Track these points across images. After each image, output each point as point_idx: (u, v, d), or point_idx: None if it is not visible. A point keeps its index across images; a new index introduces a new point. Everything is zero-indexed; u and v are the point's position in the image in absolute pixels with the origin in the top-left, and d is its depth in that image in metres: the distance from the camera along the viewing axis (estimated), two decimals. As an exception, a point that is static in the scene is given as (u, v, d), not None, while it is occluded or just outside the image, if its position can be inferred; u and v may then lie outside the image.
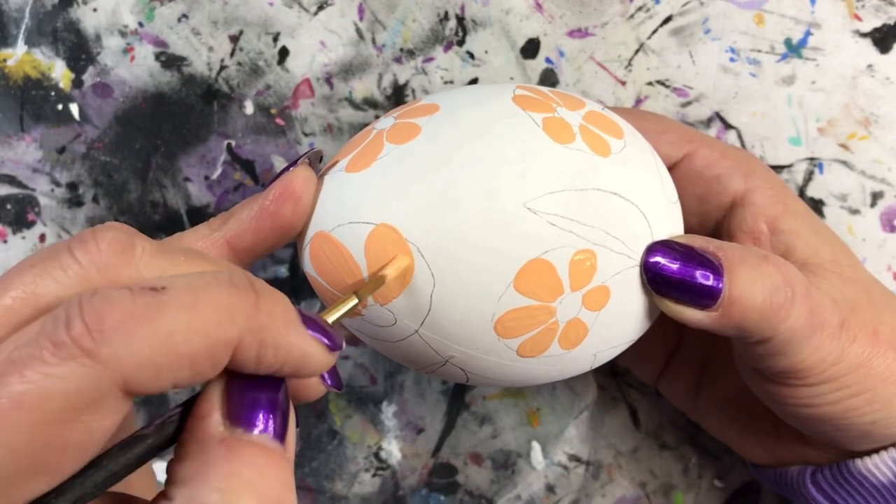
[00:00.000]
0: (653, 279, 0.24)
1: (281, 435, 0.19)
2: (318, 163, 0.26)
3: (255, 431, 0.18)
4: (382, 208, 0.23)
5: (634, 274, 0.24)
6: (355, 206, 0.24)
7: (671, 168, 0.29)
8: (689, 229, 0.27)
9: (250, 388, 0.19)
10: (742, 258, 0.25)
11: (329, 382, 0.24)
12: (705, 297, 0.24)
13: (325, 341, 0.20)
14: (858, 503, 0.28)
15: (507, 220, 0.23)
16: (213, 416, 0.18)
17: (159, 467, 0.36)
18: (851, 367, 0.26)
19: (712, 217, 0.30)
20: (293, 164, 0.25)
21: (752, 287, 0.24)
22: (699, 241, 0.25)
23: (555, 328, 0.24)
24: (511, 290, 0.23)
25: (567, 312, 0.23)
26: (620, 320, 0.25)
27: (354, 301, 0.23)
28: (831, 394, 0.26)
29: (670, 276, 0.24)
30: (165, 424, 0.19)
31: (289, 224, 0.24)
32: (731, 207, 0.29)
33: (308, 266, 0.25)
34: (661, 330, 0.30)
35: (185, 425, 0.19)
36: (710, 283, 0.24)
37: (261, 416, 0.19)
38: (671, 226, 0.26)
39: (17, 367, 0.16)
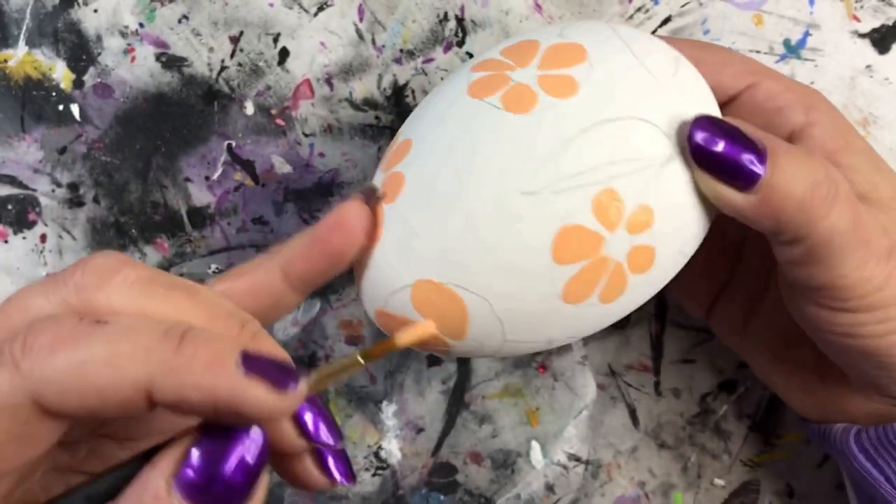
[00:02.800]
0: (696, 150, 0.24)
1: None
2: (373, 196, 0.26)
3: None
4: (410, 268, 0.25)
5: (661, 172, 0.24)
6: (391, 274, 0.25)
7: (732, 100, 0.28)
8: None
9: (210, 455, 0.19)
10: (787, 149, 0.24)
11: (336, 474, 0.23)
12: (745, 177, 0.24)
13: (268, 381, 0.19)
14: None
15: (517, 214, 0.23)
16: (156, 474, 0.19)
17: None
18: None
19: None
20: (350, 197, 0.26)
21: (793, 176, 0.24)
22: (745, 125, 0.25)
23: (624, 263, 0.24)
24: (555, 267, 0.24)
25: (620, 250, 0.24)
26: (677, 219, 0.25)
27: (360, 364, 0.23)
28: (874, 325, 0.26)
29: (713, 152, 0.24)
30: (118, 470, 0.20)
31: (338, 251, 0.25)
32: (789, 141, 0.28)
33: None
34: (713, 262, 0.29)
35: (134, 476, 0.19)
36: (752, 165, 0.24)
37: (208, 486, 0.19)
38: (676, 96, 0.25)
39: None
